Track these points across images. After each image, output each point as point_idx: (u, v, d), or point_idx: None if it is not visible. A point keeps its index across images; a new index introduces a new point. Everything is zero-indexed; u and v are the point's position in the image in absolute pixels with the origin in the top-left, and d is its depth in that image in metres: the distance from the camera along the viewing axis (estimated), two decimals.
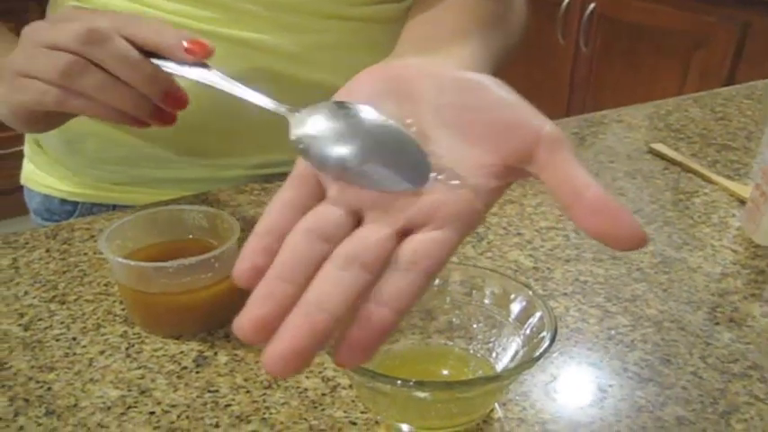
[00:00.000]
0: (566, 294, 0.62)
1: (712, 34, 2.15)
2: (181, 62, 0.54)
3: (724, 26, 2.11)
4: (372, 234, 0.36)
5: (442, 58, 0.54)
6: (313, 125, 0.41)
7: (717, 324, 0.59)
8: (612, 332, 0.58)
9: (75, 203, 0.84)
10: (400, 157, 0.39)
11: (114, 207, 0.80)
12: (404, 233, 0.36)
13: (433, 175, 0.38)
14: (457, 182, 0.38)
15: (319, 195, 0.38)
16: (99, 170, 0.81)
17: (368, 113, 0.40)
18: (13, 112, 0.58)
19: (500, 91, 0.40)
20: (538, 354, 0.44)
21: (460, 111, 0.39)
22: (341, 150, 0.39)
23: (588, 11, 2.46)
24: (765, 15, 2.02)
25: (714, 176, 0.83)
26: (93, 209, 0.82)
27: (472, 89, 0.41)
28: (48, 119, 0.60)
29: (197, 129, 0.75)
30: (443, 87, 0.41)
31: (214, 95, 0.73)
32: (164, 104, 0.56)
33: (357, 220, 0.37)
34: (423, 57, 0.54)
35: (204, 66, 0.53)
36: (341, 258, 0.35)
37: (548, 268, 0.65)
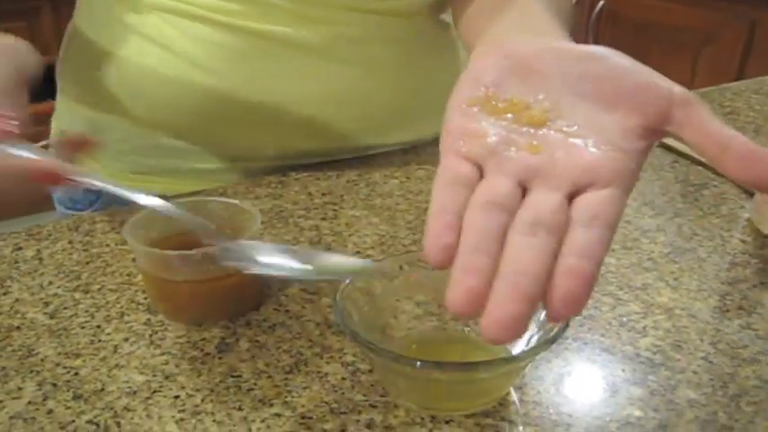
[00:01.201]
0: None
1: (721, 31, 2.15)
2: None
3: (732, 23, 2.12)
4: (547, 199, 0.38)
5: (545, 35, 0.55)
6: None
7: (726, 311, 0.61)
8: (624, 319, 0.59)
9: (98, 192, 0.86)
10: None
11: None
12: (571, 196, 0.38)
13: (584, 141, 0.40)
14: (607, 147, 0.39)
15: (476, 174, 0.40)
16: (121, 161, 0.83)
17: None
18: None
19: (620, 59, 0.43)
20: (552, 336, 0.46)
21: (589, 80, 0.42)
22: None
23: (597, 8, 2.47)
24: None
25: None
26: (116, 198, 0.83)
27: (594, 59, 0.43)
28: None
29: (218, 120, 0.77)
30: (564, 59, 0.43)
31: (235, 86, 0.75)
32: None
33: (523, 190, 0.39)
34: (525, 35, 0.55)
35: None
36: (525, 226, 0.36)
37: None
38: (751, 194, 0.78)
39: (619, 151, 0.39)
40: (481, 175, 0.40)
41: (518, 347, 0.50)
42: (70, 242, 0.69)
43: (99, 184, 0.53)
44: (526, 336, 0.50)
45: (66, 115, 0.88)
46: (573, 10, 0.77)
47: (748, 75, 2.10)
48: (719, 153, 0.39)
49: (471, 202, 0.38)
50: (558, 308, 0.34)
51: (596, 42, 2.46)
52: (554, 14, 0.61)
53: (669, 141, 0.90)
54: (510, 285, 0.34)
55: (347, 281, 0.51)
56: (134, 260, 0.65)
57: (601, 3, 2.45)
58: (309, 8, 0.74)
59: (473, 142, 0.41)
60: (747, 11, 2.08)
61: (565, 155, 0.40)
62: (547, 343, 0.46)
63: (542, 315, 0.49)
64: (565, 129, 0.41)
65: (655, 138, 0.41)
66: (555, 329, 0.46)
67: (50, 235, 0.71)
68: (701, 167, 0.85)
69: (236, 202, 0.61)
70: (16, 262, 0.67)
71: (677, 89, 0.41)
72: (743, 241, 0.71)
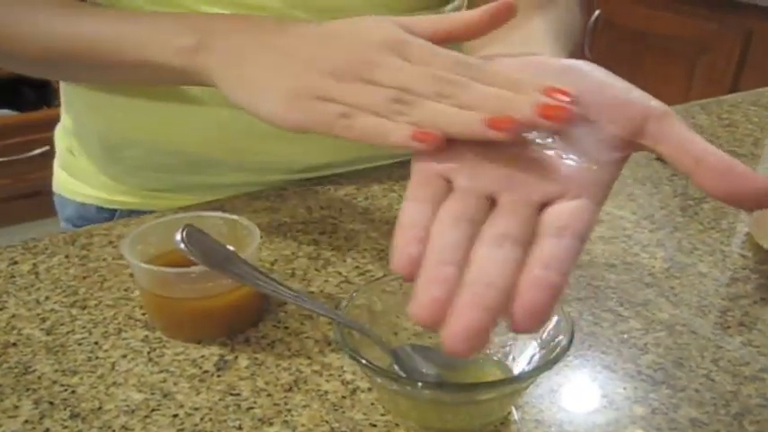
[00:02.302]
0: (579, 299, 0.63)
1: (716, 41, 2.16)
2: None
3: (727, 33, 2.13)
4: (514, 211, 0.38)
5: (530, 48, 0.56)
6: None
7: (728, 328, 0.60)
8: (625, 336, 0.59)
9: (113, 211, 0.85)
10: None
11: (152, 213, 0.80)
12: (541, 206, 0.39)
13: (557, 152, 0.41)
14: (581, 158, 0.41)
15: (446, 189, 0.41)
16: (139, 177, 0.82)
17: None
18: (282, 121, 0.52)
19: (599, 72, 0.44)
20: (555, 356, 0.45)
21: None
22: None
23: (593, 17, 2.47)
24: (766, 20, 2.03)
25: None
26: (132, 215, 0.82)
27: (572, 72, 0.44)
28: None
29: (241, 132, 0.76)
30: (544, 72, 0.44)
31: None
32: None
33: (492, 202, 0.39)
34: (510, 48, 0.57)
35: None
36: (492, 237, 0.37)
37: None
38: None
39: (592, 162, 0.40)
40: (450, 187, 0.41)
41: (519, 367, 0.50)
42: (67, 256, 0.69)
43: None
44: (528, 355, 0.50)
45: (74, 134, 0.87)
46: (579, 25, 0.77)
47: (744, 84, 2.11)
48: (694, 166, 0.39)
49: (439, 215, 0.39)
50: (521, 319, 0.35)
51: (592, 51, 2.47)
52: (552, 35, 0.61)
53: None
54: (472, 296, 0.34)
55: (347, 299, 0.51)
56: (131, 275, 0.65)
57: (597, 12, 2.46)
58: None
59: (444, 155, 0.42)
60: (742, 21, 2.08)
61: (536, 165, 0.41)
62: (549, 364, 0.45)
63: (545, 334, 0.49)
64: (538, 140, 0.42)
65: (629, 150, 0.42)
66: (557, 350, 0.46)
67: (47, 249, 0.70)
68: None
69: (235, 217, 0.60)
70: (12, 276, 0.66)
71: (654, 103, 0.42)
72: (743, 256, 0.71)
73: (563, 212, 0.38)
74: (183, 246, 0.51)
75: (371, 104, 0.46)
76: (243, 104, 0.53)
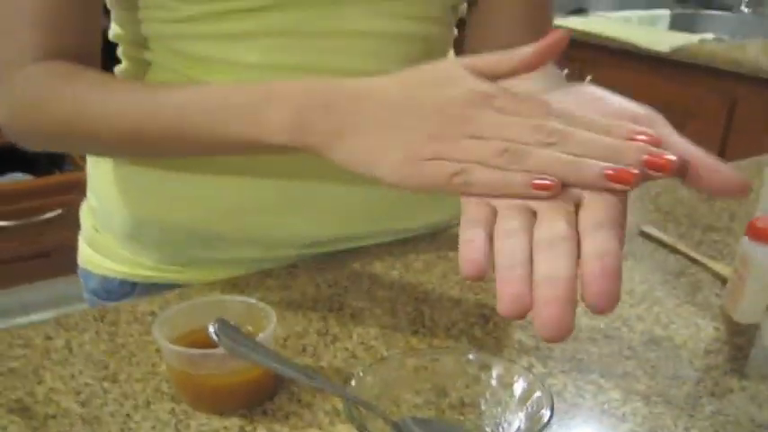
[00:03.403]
0: (564, 372, 0.69)
1: (703, 107, 2.24)
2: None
3: (713, 99, 2.21)
4: (554, 215, 0.47)
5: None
6: None
7: (700, 397, 0.67)
8: (606, 406, 0.65)
9: (134, 284, 0.91)
10: None
11: (171, 286, 0.86)
12: (576, 206, 0.47)
13: None
14: None
15: (492, 210, 0.50)
16: (157, 253, 0.89)
17: None
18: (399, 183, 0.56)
19: (596, 89, 0.55)
20: (539, 428, 0.52)
21: (576, 105, 0.53)
22: None
23: (586, 81, 2.56)
24: (751, 88, 2.12)
25: (699, 257, 0.91)
26: (152, 289, 0.89)
27: (577, 90, 0.56)
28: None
29: (248, 209, 0.84)
30: (552, 93, 0.55)
31: (266, 170, 0.81)
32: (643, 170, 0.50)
33: (534, 213, 0.48)
34: None
35: None
36: (546, 241, 0.45)
37: (548, 347, 0.73)
38: (724, 282, 0.85)
39: None
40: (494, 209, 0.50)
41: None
42: (97, 332, 0.75)
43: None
44: (515, 427, 0.56)
45: (98, 213, 0.94)
46: None
47: (731, 148, 2.19)
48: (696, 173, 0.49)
49: (496, 231, 0.48)
50: (597, 304, 0.43)
51: None
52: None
53: (648, 230, 0.97)
54: (551, 290, 0.43)
55: (355, 378, 0.57)
56: (157, 350, 0.71)
57: (588, 77, 2.55)
58: (371, 42, 0.80)
59: None
60: (728, 88, 2.17)
61: None
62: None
63: (530, 407, 0.56)
64: None
65: None
66: (541, 422, 0.52)
67: (77, 325, 0.77)
68: (678, 256, 0.92)
69: (253, 301, 0.67)
70: (47, 351, 0.72)
71: (642, 110, 0.52)
72: (716, 329, 0.77)
73: (595, 209, 0.47)
74: (215, 337, 0.58)
75: (483, 158, 0.50)
76: (360, 173, 0.58)
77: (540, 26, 0.86)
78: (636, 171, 0.47)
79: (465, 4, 0.87)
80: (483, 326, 0.76)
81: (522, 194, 0.49)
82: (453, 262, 0.89)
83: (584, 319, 0.78)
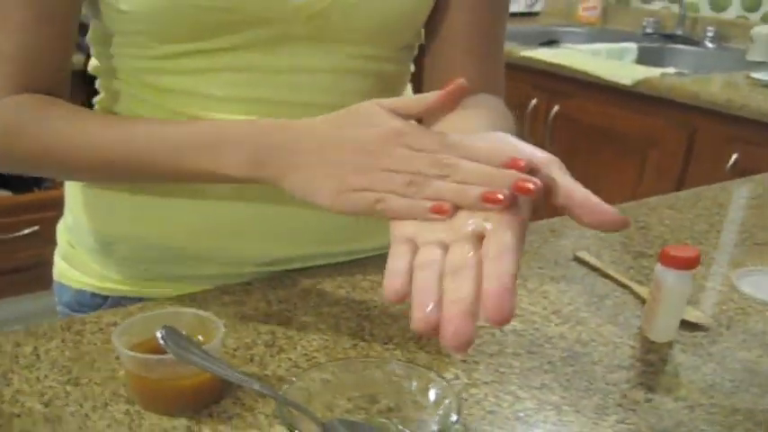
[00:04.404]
0: (486, 383, 0.76)
1: (664, 136, 2.33)
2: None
3: (673, 129, 2.30)
4: (464, 246, 0.57)
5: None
6: None
7: (607, 408, 0.74)
8: (521, 414, 0.72)
9: (105, 297, 0.98)
10: None
11: (140, 299, 0.94)
12: (480, 237, 0.57)
13: None
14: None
15: (414, 246, 0.59)
16: (128, 268, 0.97)
17: None
18: (337, 210, 0.67)
19: (508, 137, 0.64)
20: (446, 427, 0.59)
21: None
22: None
23: (553, 113, 2.65)
24: (708, 119, 2.21)
25: (626, 281, 0.98)
26: (122, 301, 0.95)
27: (490, 136, 0.66)
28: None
29: (216, 231, 0.92)
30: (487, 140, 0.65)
31: (227, 195, 0.89)
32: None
33: (446, 247, 0.58)
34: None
35: None
36: (453, 269, 0.55)
37: (474, 361, 0.80)
38: (643, 302, 0.92)
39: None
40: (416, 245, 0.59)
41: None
42: (63, 340, 0.82)
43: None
44: (431, 428, 0.63)
45: (74, 230, 1.01)
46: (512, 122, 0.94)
47: (690, 177, 2.27)
48: (566, 201, 0.59)
49: (415, 263, 0.57)
50: (494, 314, 0.51)
51: (552, 143, 2.63)
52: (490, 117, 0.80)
53: (582, 255, 1.04)
54: (456, 305, 0.52)
55: (288, 383, 0.64)
56: (117, 358, 0.78)
57: (555, 108, 2.63)
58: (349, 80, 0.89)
59: (409, 224, 0.61)
60: (687, 119, 2.26)
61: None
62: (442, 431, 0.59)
63: (441, 411, 0.63)
64: None
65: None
66: (449, 423, 0.59)
67: (46, 333, 0.83)
68: (607, 280, 1.00)
69: (205, 314, 0.74)
70: (16, 357, 0.79)
71: (541, 154, 0.61)
72: (632, 347, 0.85)
73: (496, 239, 0.56)
74: (162, 341, 0.65)
75: (394, 189, 0.63)
76: (305, 201, 0.69)
77: (493, 59, 0.95)
78: (503, 194, 0.57)
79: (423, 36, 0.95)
80: (417, 341, 0.83)
81: (425, 218, 0.60)
82: None
83: (510, 336, 0.85)
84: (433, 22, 0.92)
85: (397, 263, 0.57)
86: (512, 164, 0.59)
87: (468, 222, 0.58)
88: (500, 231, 0.56)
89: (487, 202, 0.57)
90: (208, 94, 0.86)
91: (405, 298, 0.55)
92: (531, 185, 0.57)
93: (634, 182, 2.46)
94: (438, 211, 0.60)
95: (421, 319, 0.53)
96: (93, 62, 0.94)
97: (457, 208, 0.59)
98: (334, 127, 0.69)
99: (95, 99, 0.96)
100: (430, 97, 0.68)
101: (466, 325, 0.51)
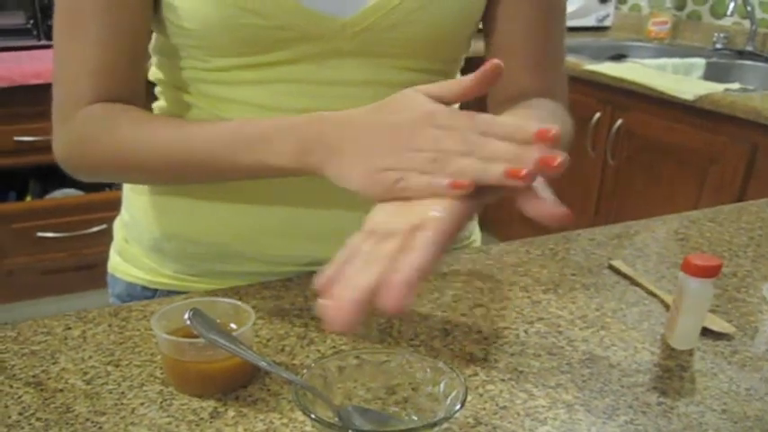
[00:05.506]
0: (503, 380, 0.79)
1: (725, 152, 2.31)
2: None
3: (735, 146, 2.28)
4: (390, 240, 0.61)
5: None
6: None
7: (617, 409, 0.76)
8: (531, 410, 0.75)
9: (155, 291, 1.05)
10: None
11: (186, 293, 0.99)
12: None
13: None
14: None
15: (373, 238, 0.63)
16: (177, 264, 1.03)
17: None
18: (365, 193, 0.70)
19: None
20: (450, 414, 0.63)
21: None
22: None
23: (616, 126, 2.65)
24: None
25: (656, 290, 1.00)
26: (170, 295, 1.01)
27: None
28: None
29: (260, 231, 0.97)
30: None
31: (275, 198, 0.94)
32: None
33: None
34: None
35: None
36: (365, 258, 0.61)
37: (495, 359, 0.83)
38: (668, 308, 0.94)
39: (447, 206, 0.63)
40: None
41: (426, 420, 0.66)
42: (109, 325, 0.88)
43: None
44: (438, 416, 0.66)
45: (129, 227, 1.07)
46: (570, 126, 0.97)
47: (750, 193, 2.25)
48: (521, 198, 0.62)
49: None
50: (388, 301, 0.57)
51: (614, 157, 2.63)
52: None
53: (616, 264, 1.06)
54: (345, 293, 0.59)
55: (307, 369, 0.68)
56: (156, 343, 0.83)
57: (619, 121, 2.63)
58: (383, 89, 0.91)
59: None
60: (748, 135, 2.24)
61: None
62: (444, 418, 0.62)
63: (448, 400, 0.66)
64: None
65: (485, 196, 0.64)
66: (453, 411, 0.63)
67: (95, 319, 0.89)
68: (637, 288, 1.01)
69: (238, 302, 0.79)
70: (65, 339, 0.85)
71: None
72: (652, 353, 0.86)
73: (422, 234, 0.60)
74: (189, 322, 0.70)
75: (416, 167, 0.65)
76: (344, 187, 0.72)
77: (551, 68, 0.99)
78: (527, 170, 0.60)
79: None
80: (442, 338, 0.87)
81: (445, 194, 0.63)
82: (431, 283, 0.99)
83: (534, 338, 0.88)
84: (489, 35, 0.97)
85: (339, 254, 0.62)
86: (540, 134, 0.61)
87: (432, 209, 0.62)
88: (430, 224, 0.61)
89: (511, 177, 0.60)
90: (260, 105, 0.91)
91: (330, 287, 0.60)
92: (555, 161, 0.59)
93: (693, 197, 2.44)
94: (457, 186, 0.62)
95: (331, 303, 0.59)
96: (153, 71, 1.00)
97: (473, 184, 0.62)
98: (372, 114, 0.71)
99: (154, 105, 1.02)
100: (467, 80, 0.69)
101: (347, 310, 0.57)
